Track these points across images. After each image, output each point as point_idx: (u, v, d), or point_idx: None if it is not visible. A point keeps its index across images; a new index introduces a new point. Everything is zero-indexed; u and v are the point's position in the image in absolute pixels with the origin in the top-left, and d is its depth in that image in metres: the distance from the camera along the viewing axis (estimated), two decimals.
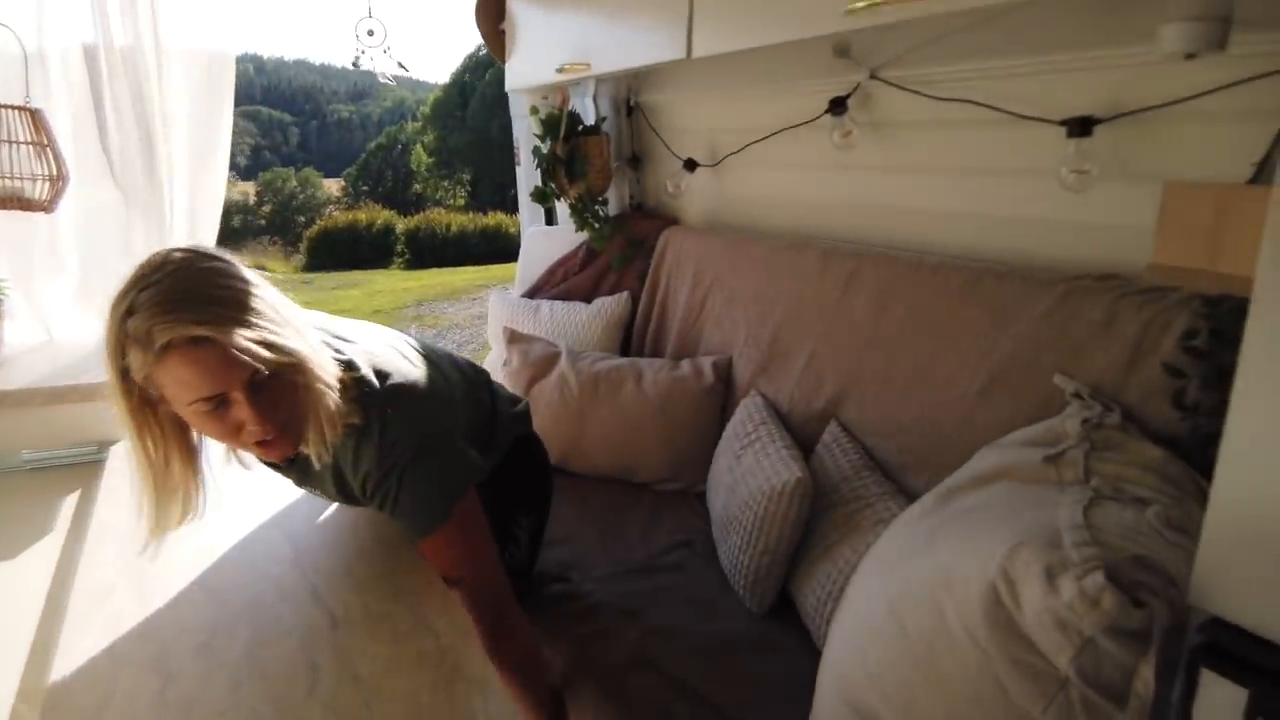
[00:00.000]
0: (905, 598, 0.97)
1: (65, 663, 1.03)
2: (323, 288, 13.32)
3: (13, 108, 1.80)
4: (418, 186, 27.87)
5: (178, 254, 0.94)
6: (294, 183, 27.29)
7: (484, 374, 1.51)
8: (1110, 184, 1.33)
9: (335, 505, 1.46)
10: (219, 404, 0.94)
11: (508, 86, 2.40)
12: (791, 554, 1.50)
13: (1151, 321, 1.16)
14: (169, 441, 1.01)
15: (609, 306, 2.48)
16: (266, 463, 1.20)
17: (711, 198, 2.44)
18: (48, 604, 1.29)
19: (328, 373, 1.02)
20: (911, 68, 1.64)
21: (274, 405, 0.97)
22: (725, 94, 2.25)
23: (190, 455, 1.05)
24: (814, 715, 1.09)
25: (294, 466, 1.19)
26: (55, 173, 1.87)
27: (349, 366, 1.08)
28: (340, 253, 18.59)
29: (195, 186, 2.25)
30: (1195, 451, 1.07)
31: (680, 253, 2.34)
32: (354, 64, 2.36)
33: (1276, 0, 1.06)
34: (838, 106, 1.78)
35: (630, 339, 2.51)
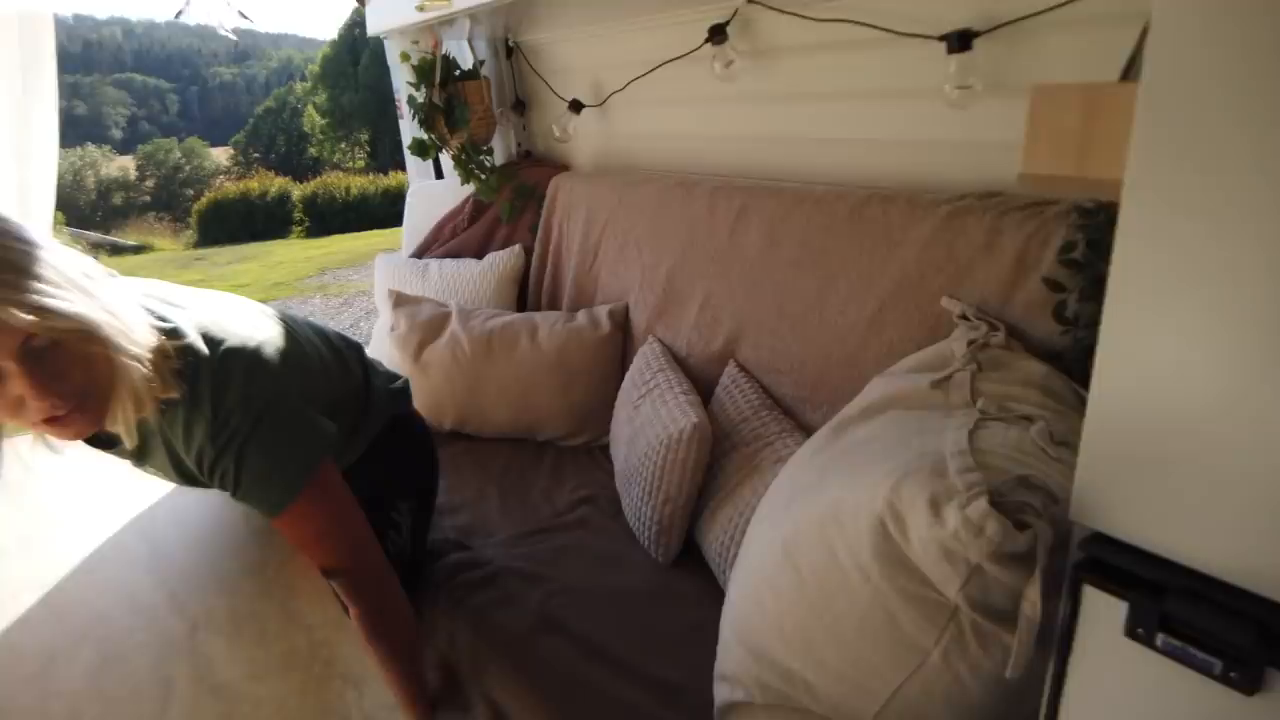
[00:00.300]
0: (797, 537, 0.94)
1: None
2: (216, 263, 12.60)
3: None
4: (313, 150, 26.57)
5: None
6: (178, 154, 25.65)
7: (356, 346, 1.40)
8: (993, 99, 1.29)
9: (200, 494, 1.34)
10: None
11: (370, 31, 2.22)
12: (694, 501, 1.46)
13: (1032, 236, 1.14)
14: None
15: (501, 260, 2.37)
16: (94, 445, 1.08)
17: (600, 139, 2.33)
18: None
19: (133, 341, 0.92)
20: None
21: (59, 377, 0.87)
22: (605, 28, 2.13)
23: None
24: (718, 663, 1.07)
25: (123, 447, 1.06)
26: None
27: (174, 334, 0.98)
28: (234, 225, 17.59)
29: (22, 164, 2.02)
30: (1077, 364, 1.06)
31: (571, 199, 2.24)
32: (176, 15, 2.13)
33: None
34: (717, 34, 1.70)
35: (526, 293, 2.40)
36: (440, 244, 2.59)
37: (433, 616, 1.33)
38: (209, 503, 1.32)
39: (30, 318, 0.82)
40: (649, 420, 1.56)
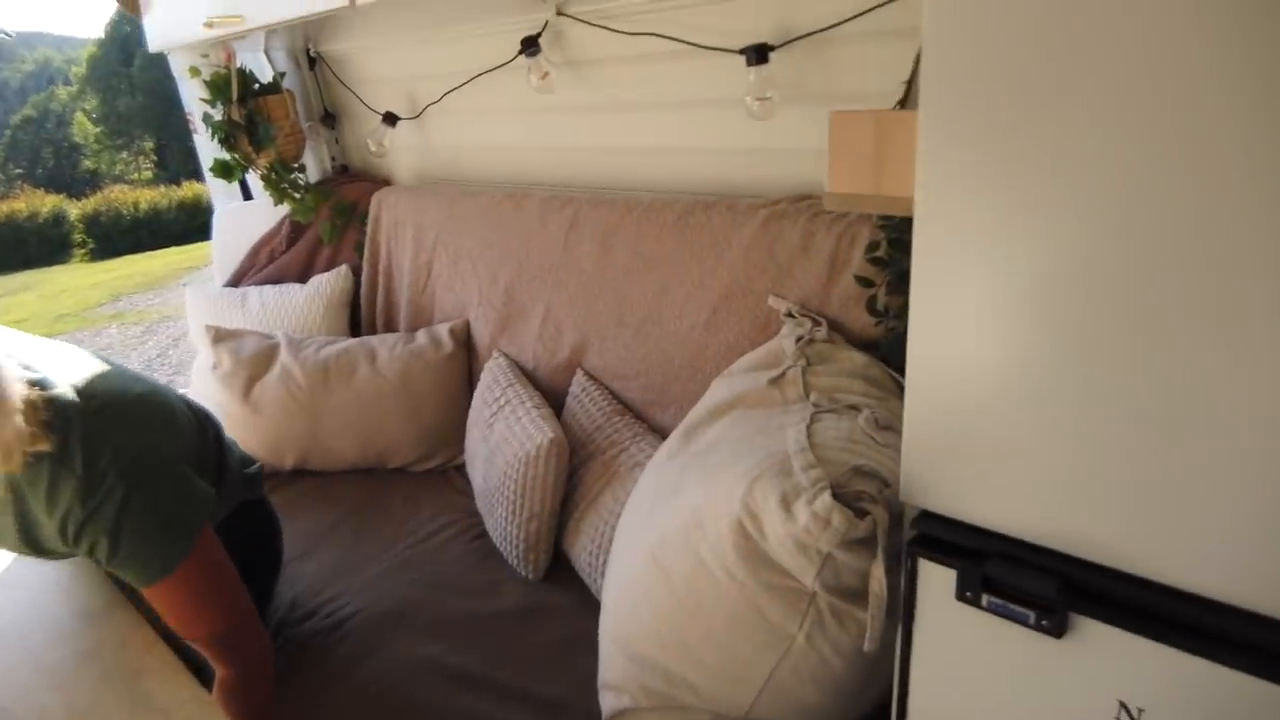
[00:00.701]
0: (664, 544, 0.99)
1: None
2: None
3: None
4: (88, 162, 23.83)
5: None
6: None
7: (215, 422, 1.31)
8: (792, 108, 1.39)
9: (7, 567, 1.22)
10: None
11: (150, 48, 2.03)
12: (557, 514, 1.48)
13: (841, 237, 1.25)
14: None
15: (327, 283, 2.26)
16: None
17: (419, 152, 2.27)
18: None
19: None
20: (598, 2, 1.59)
21: None
22: (414, 38, 2.07)
23: None
24: (601, 673, 1.10)
25: None
26: None
27: (42, 385, 0.92)
28: (3, 252, 15.48)
29: None
30: (892, 352, 1.17)
31: (396, 215, 2.18)
32: None
33: None
34: (530, 46, 1.70)
35: (359, 317, 2.31)
36: (257, 269, 2.43)
37: (296, 681, 1.27)
38: (21, 584, 1.19)
39: None
40: (504, 438, 1.56)
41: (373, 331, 2.28)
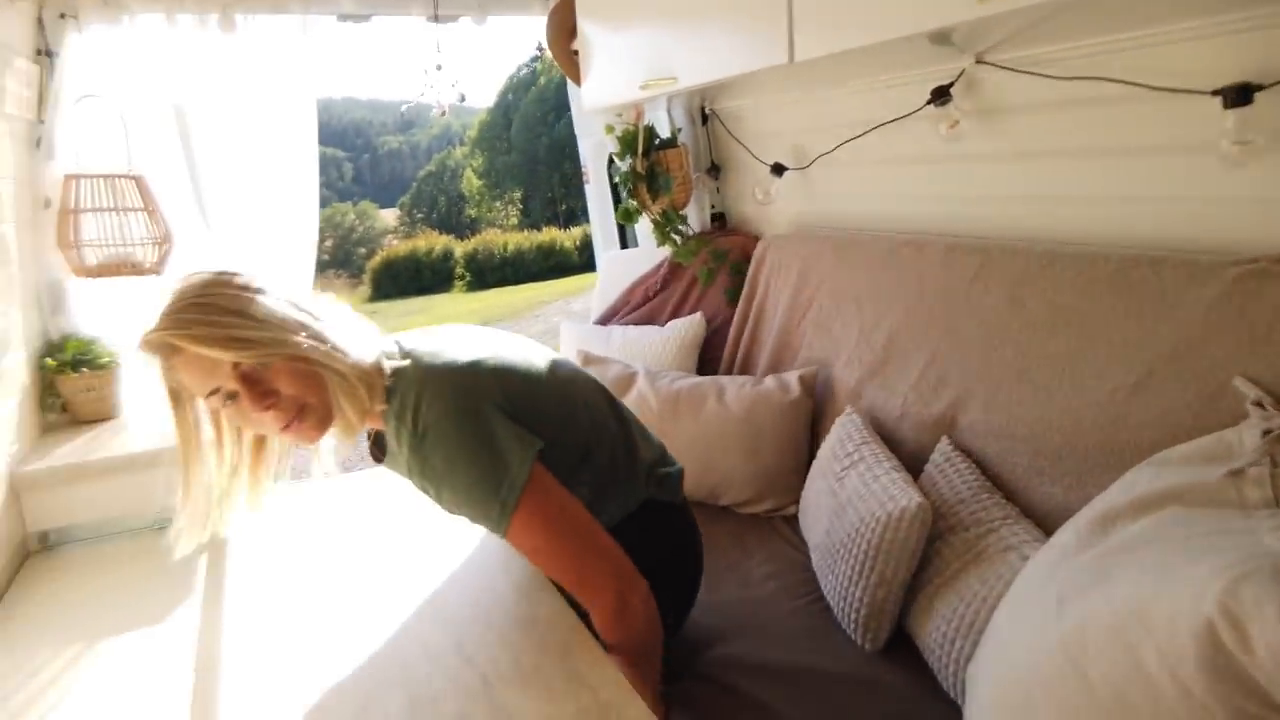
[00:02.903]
0: (1084, 640, 0.87)
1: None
2: (388, 316, 13.62)
3: (119, 176, 1.84)
4: (470, 210, 28.33)
5: (193, 277, 1.09)
6: (352, 215, 28.03)
7: (632, 417, 1.43)
8: (1276, 155, 1.21)
9: (464, 544, 1.45)
10: (227, 397, 1.07)
11: (585, 108, 2.36)
12: (907, 585, 1.40)
13: None
14: (212, 443, 1.16)
15: (682, 328, 2.43)
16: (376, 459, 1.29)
17: (802, 200, 2.36)
18: (200, 661, 1.29)
19: (343, 360, 1.10)
20: (1023, 48, 1.54)
21: (272, 392, 1.07)
22: (811, 94, 2.17)
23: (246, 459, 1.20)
24: None
25: (392, 458, 1.25)
26: (160, 235, 1.90)
27: (391, 355, 1.16)
28: (403, 281, 19.04)
29: (288, 232, 2.29)
30: None
31: (781, 258, 2.27)
32: (426, 101, 2.36)
33: None
34: (941, 96, 1.69)
35: (704, 361, 2.45)
36: (631, 308, 2.69)
37: None
38: (476, 552, 1.41)
39: (226, 353, 1.03)
40: (859, 494, 1.50)
41: (728, 371, 2.39)
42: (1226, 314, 1.18)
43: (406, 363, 1.15)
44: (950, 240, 1.76)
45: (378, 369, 1.14)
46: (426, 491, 1.23)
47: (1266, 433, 0.99)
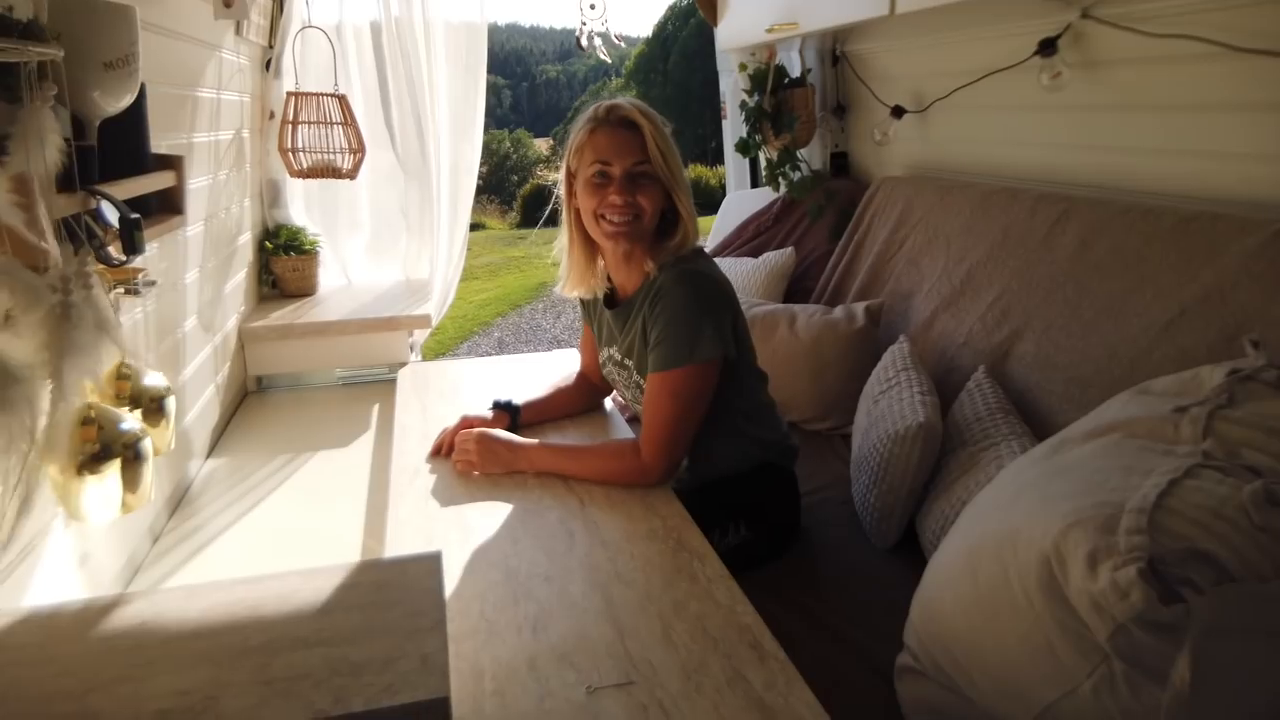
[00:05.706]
0: (980, 551, 1.00)
1: (393, 519, 1.39)
2: (535, 243, 14.24)
3: (327, 95, 2.25)
4: None
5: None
6: (507, 144, 28.90)
7: (767, 385, 1.63)
8: None
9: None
10: (605, 177, 1.36)
11: (719, 47, 2.57)
12: (916, 494, 1.55)
13: None
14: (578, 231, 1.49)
15: (773, 260, 2.63)
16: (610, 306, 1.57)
17: (918, 143, 2.48)
18: (373, 479, 1.70)
19: (683, 217, 1.41)
20: (1127, 4, 1.61)
21: (636, 195, 1.36)
22: (932, 40, 2.27)
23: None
24: (906, 632, 1.16)
25: (618, 312, 1.53)
26: (355, 145, 2.31)
27: (692, 252, 1.45)
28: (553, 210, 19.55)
29: (457, 154, 2.65)
30: None
31: (890, 195, 2.42)
32: (576, 43, 2.63)
33: None
34: (1047, 47, 1.79)
35: (792, 292, 2.62)
36: (742, 242, 2.90)
37: None
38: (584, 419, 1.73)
39: (660, 160, 1.37)
40: (884, 413, 1.66)
41: (819, 301, 2.54)
42: (1260, 263, 1.28)
43: (685, 260, 1.44)
44: (1041, 189, 1.88)
45: (679, 244, 1.44)
46: (629, 344, 1.51)
47: (1232, 372, 0.99)
